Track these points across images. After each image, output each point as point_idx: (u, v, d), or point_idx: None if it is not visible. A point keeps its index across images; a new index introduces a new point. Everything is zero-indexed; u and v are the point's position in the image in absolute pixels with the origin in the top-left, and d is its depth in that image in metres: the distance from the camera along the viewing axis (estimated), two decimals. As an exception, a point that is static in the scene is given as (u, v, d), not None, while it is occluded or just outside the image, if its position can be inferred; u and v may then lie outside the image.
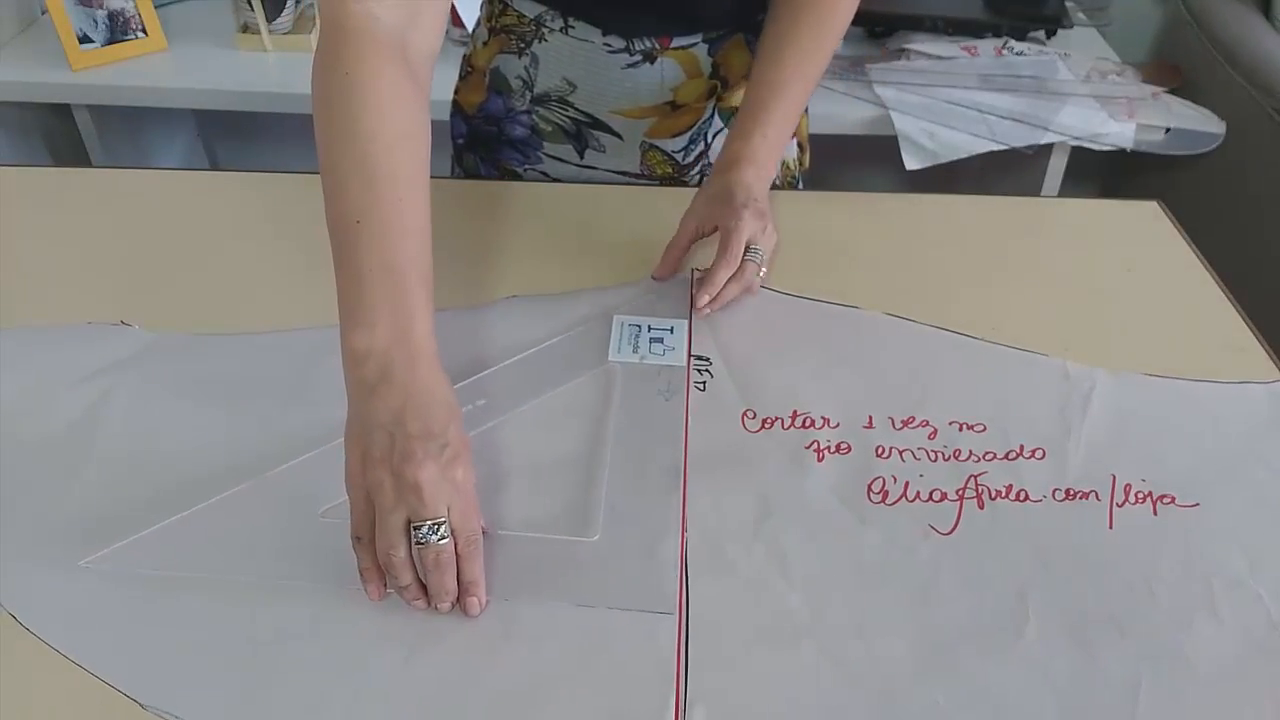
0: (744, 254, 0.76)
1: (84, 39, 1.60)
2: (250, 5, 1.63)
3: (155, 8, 1.66)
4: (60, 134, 1.76)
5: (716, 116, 0.98)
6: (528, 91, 0.96)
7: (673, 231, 0.82)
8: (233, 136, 2.16)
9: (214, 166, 2.20)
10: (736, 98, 0.97)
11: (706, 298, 0.76)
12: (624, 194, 0.97)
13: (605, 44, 0.91)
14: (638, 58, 0.91)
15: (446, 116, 1.03)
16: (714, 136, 0.99)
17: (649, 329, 0.76)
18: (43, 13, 1.70)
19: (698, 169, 1.01)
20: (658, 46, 0.91)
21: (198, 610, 0.56)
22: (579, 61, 0.92)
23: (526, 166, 1.00)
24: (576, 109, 0.95)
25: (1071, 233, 0.93)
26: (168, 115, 1.98)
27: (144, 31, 1.65)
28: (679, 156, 0.99)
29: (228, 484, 0.63)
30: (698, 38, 0.91)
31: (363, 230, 0.57)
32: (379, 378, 0.55)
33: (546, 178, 1.00)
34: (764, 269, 0.78)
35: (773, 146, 0.82)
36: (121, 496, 0.63)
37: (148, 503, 0.62)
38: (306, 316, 0.78)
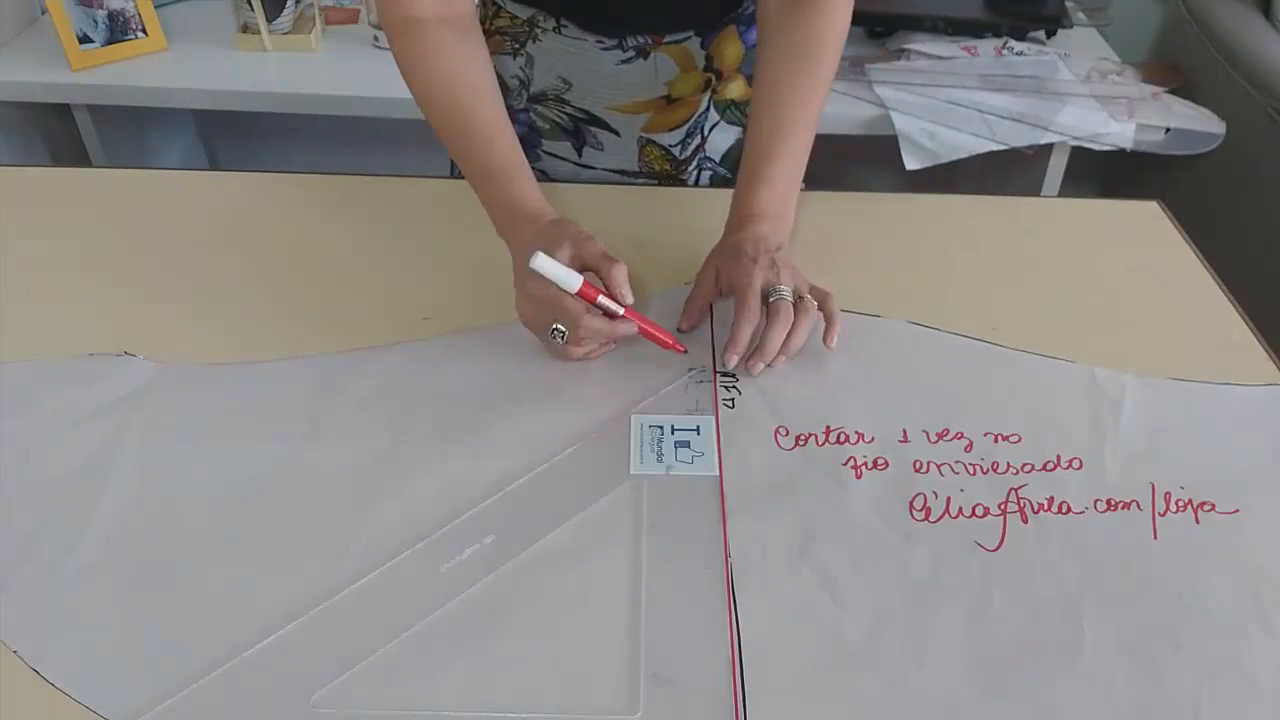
0: (767, 300, 0.73)
1: (84, 39, 1.60)
2: (250, 5, 1.63)
3: (155, 8, 1.66)
4: (60, 134, 1.76)
5: (712, 109, 0.98)
6: (524, 91, 0.96)
7: (672, 232, 0.82)
8: (233, 136, 2.16)
9: (214, 166, 2.20)
10: (731, 89, 0.98)
11: (735, 358, 0.72)
12: (623, 194, 0.97)
13: (598, 42, 0.91)
14: (630, 54, 0.92)
15: None
16: (710, 129, 0.99)
17: (673, 430, 0.69)
18: (43, 13, 1.70)
19: (695, 163, 1.01)
20: (650, 42, 0.91)
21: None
22: (573, 60, 0.93)
23: None
24: (573, 106, 0.96)
25: (1071, 233, 0.93)
26: (168, 115, 1.98)
27: (144, 31, 1.65)
28: (676, 151, 0.99)
29: (241, 539, 0.61)
30: (690, 32, 0.92)
31: (469, 166, 0.78)
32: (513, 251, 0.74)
33: (545, 176, 1.00)
34: (811, 299, 0.73)
35: (781, 196, 0.79)
36: (129, 560, 0.60)
37: (156, 582, 0.59)
38: (308, 315, 0.78)
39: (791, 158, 0.80)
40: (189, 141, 2.12)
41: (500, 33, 0.94)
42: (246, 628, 0.56)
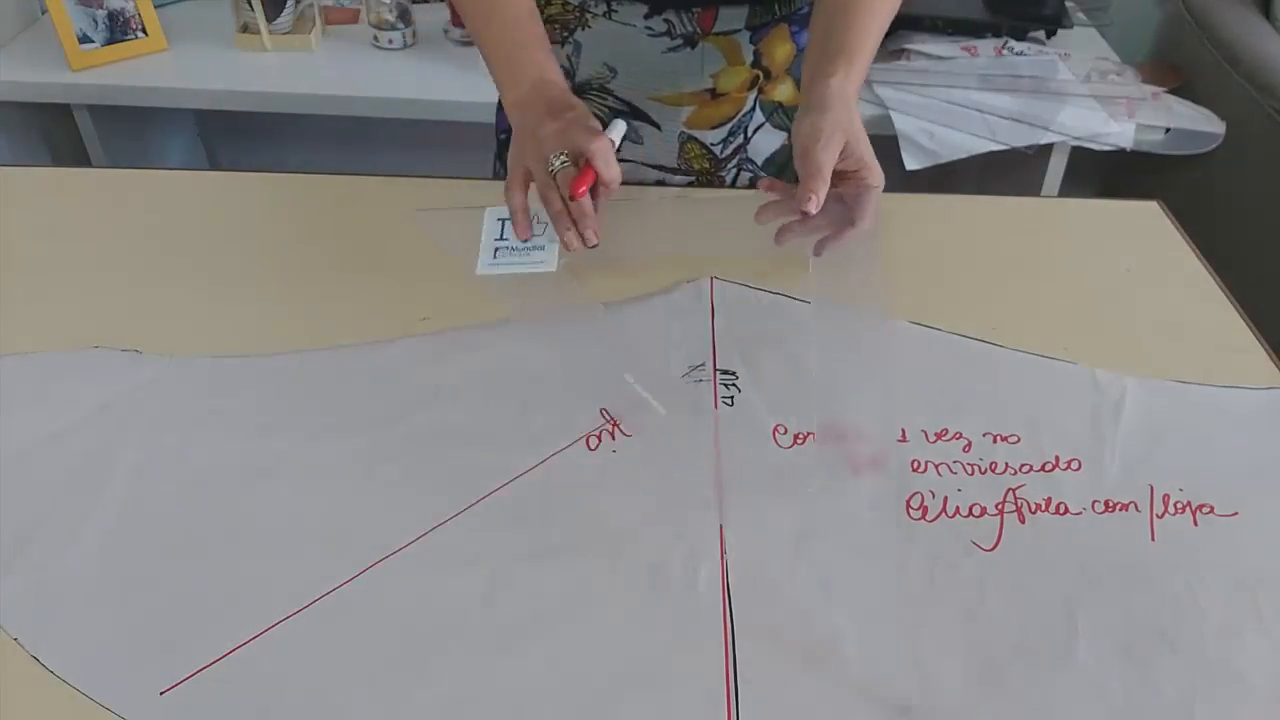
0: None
1: (84, 39, 1.60)
2: (250, 5, 1.64)
3: (155, 8, 1.66)
4: (60, 134, 1.76)
5: (758, 110, 0.97)
6: (569, 81, 0.95)
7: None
8: (233, 136, 2.16)
9: (214, 166, 2.20)
10: (779, 91, 0.96)
11: (813, 198, 0.70)
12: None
13: (647, 27, 0.90)
14: (679, 41, 0.91)
15: (491, 118, 1.01)
16: (754, 131, 0.98)
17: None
18: (43, 13, 1.70)
19: (734, 163, 1.00)
20: (699, 31, 0.90)
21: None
22: (620, 45, 0.92)
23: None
24: (616, 96, 0.95)
25: (1071, 233, 0.93)
26: (168, 115, 1.98)
27: (144, 31, 1.65)
28: (717, 149, 0.98)
29: (241, 532, 0.61)
30: (740, 24, 0.90)
31: (488, 32, 0.81)
32: (523, 119, 0.77)
33: None
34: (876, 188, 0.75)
35: (854, 82, 0.76)
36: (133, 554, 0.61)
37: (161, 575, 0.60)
38: (307, 316, 0.78)
39: (862, 48, 0.77)
40: (189, 141, 2.12)
41: (551, 21, 0.93)
42: (247, 619, 0.56)
